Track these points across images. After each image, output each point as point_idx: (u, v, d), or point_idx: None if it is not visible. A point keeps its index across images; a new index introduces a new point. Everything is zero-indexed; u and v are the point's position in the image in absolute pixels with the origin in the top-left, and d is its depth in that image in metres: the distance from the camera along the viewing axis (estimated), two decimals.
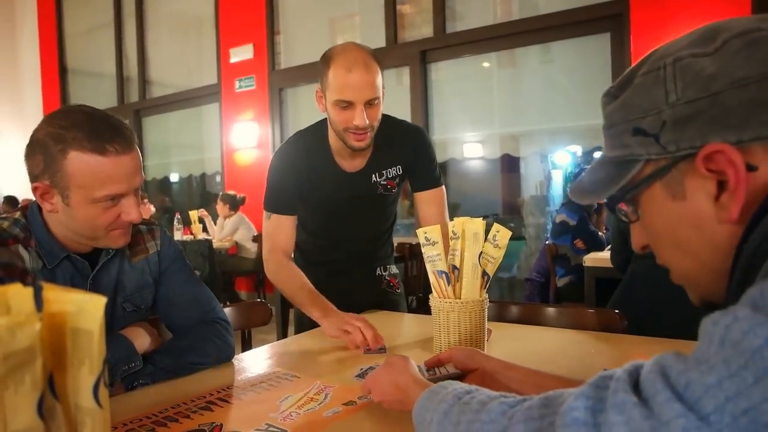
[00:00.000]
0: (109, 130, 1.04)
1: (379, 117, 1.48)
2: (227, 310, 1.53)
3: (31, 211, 1.12)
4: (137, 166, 1.09)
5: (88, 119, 1.04)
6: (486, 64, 4.80)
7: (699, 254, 0.57)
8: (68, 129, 1.01)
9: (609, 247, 2.64)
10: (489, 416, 0.57)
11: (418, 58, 4.76)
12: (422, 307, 3.92)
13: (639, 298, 2.14)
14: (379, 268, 1.75)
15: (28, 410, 0.36)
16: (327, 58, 1.44)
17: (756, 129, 0.51)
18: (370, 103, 1.42)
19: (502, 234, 1.15)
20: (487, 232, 1.17)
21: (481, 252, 1.15)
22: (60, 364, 0.39)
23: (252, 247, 5.12)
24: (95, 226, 1.07)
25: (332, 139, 1.55)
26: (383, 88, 1.45)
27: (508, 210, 6.10)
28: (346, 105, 1.40)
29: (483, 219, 1.18)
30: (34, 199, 1.13)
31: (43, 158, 1.03)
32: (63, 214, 1.07)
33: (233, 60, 5.84)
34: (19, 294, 0.35)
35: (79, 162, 1.01)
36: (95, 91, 7.42)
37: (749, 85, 0.51)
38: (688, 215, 0.56)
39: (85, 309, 0.38)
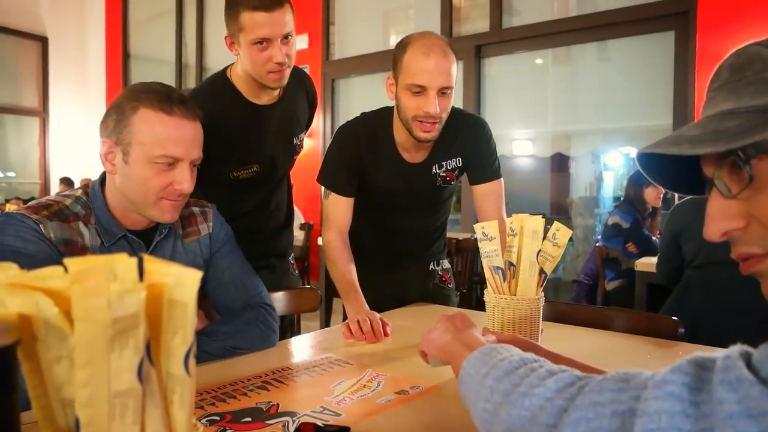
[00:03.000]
0: (179, 98, 1.13)
1: (449, 109, 1.45)
2: (278, 295, 1.56)
3: (92, 189, 1.16)
4: (197, 138, 1.15)
5: (164, 87, 1.14)
6: (539, 61, 4.71)
7: None
8: (144, 92, 1.11)
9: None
10: (556, 385, 0.54)
11: (473, 52, 4.72)
12: (463, 304, 3.86)
13: (694, 307, 2.07)
14: (432, 263, 1.74)
15: (129, 373, 0.38)
16: (404, 44, 1.42)
17: None
18: (443, 92, 1.39)
19: (562, 233, 1.13)
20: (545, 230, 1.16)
21: (540, 250, 1.14)
22: (155, 333, 0.41)
23: (299, 234, 5.19)
24: (147, 188, 1.10)
25: (397, 131, 1.53)
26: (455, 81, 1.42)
27: (556, 210, 5.99)
28: (419, 90, 1.38)
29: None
30: (93, 179, 1.19)
31: (115, 117, 1.10)
32: (120, 174, 1.12)
33: None
34: (125, 263, 0.38)
35: (146, 118, 1.09)
36: (155, 77, 7.54)
37: None
38: None
39: (182, 282, 0.40)
